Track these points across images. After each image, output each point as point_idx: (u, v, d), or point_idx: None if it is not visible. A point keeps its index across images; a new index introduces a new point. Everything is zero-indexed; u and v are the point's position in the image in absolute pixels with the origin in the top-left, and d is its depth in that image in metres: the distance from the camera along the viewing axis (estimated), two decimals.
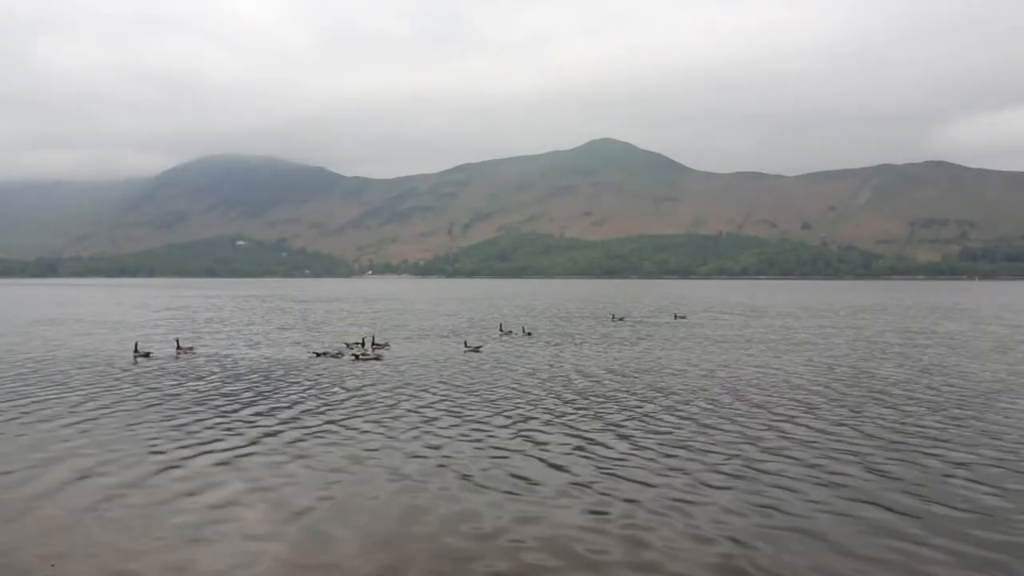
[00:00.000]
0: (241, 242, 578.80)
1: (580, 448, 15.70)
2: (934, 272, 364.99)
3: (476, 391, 22.88)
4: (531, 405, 20.54)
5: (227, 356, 32.17)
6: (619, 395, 22.28)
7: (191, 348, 34.33)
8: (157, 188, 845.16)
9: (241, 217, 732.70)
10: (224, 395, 22.01)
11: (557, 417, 18.89)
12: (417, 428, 17.58)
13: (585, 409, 19.97)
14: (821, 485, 13.01)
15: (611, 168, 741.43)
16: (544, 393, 22.52)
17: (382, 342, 36.09)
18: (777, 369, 28.25)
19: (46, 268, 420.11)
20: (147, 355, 31.89)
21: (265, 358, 31.49)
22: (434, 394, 22.28)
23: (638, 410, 19.79)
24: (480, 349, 35.01)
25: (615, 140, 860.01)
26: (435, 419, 18.60)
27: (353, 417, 18.78)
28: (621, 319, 56.35)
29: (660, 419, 18.63)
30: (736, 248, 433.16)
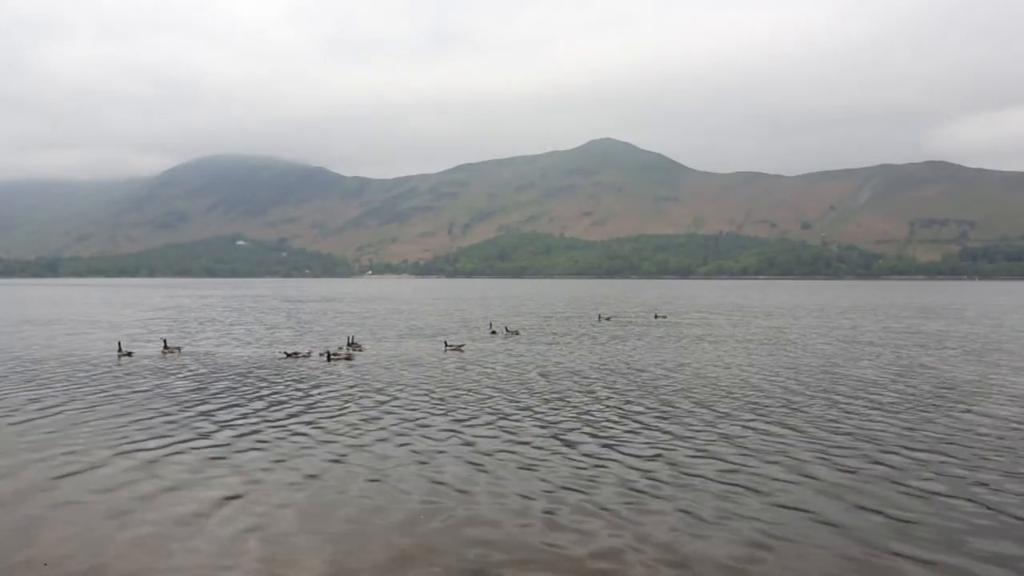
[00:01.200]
0: (241, 242, 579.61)
1: (515, 449, 15.88)
2: (934, 272, 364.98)
3: (439, 391, 23.05)
4: (488, 405, 20.71)
5: (208, 355, 32.38)
6: (576, 395, 22.45)
7: (179, 348, 34.52)
8: (157, 188, 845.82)
9: (241, 217, 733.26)
10: (189, 394, 22.20)
11: (504, 417, 19.04)
12: (368, 427, 17.77)
13: (542, 410, 20.13)
14: (751, 490, 12.94)
15: (611, 168, 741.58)
16: (506, 394, 22.65)
17: (356, 343, 35.89)
18: (744, 368, 28.38)
19: (46, 268, 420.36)
20: (129, 354, 32.14)
21: (243, 358, 31.67)
22: (394, 394, 22.39)
23: (592, 409, 19.99)
24: (462, 348, 35.13)
25: (615, 140, 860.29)
26: (391, 418, 18.78)
27: (305, 418, 18.97)
28: (608, 319, 56.44)
29: (609, 419, 18.83)
30: (736, 248, 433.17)
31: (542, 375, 26.48)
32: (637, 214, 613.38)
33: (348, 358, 30.47)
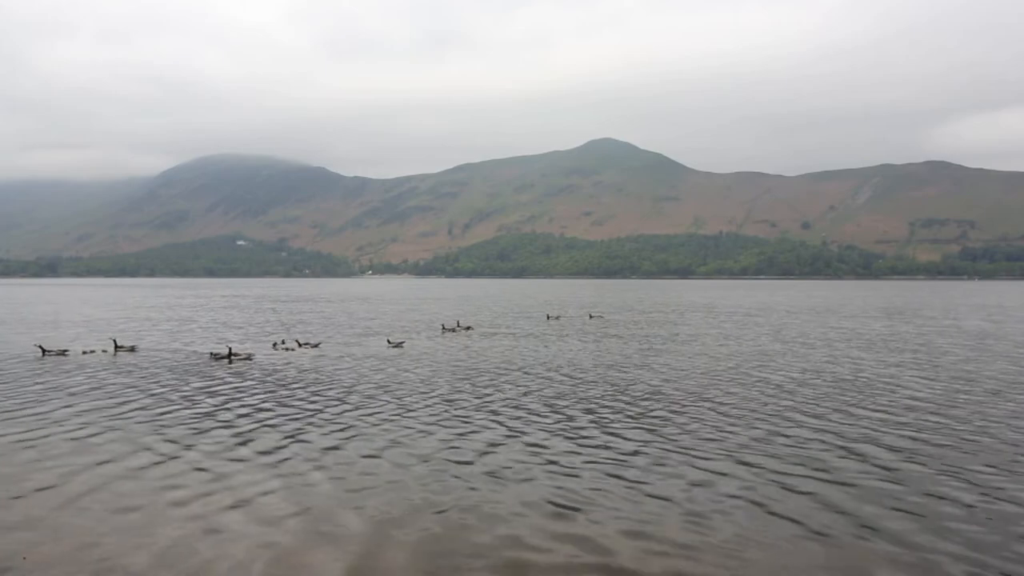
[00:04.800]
0: (241, 242, 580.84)
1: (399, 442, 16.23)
2: (934, 272, 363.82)
3: (335, 387, 23.48)
4: (395, 396, 21.06)
5: (147, 353, 32.90)
6: (475, 384, 22.83)
7: (132, 347, 34.82)
8: (157, 188, 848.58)
9: (241, 217, 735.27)
10: (96, 391, 22.74)
11: (391, 412, 19.38)
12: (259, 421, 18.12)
13: (440, 399, 20.47)
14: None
15: (611, 168, 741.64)
16: (409, 390, 23.05)
17: (308, 342, 36.51)
18: (635, 364, 28.72)
19: (46, 268, 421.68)
20: (63, 353, 32.53)
21: (177, 358, 32.06)
22: (280, 391, 22.93)
23: (489, 400, 20.53)
24: (402, 345, 35.87)
25: (615, 140, 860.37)
26: (264, 417, 19.09)
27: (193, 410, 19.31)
28: (557, 318, 58.13)
29: (506, 412, 19.22)
30: (736, 248, 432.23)
31: (468, 369, 26.95)
32: (637, 214, 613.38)
33: (248, 358, 30.69)
